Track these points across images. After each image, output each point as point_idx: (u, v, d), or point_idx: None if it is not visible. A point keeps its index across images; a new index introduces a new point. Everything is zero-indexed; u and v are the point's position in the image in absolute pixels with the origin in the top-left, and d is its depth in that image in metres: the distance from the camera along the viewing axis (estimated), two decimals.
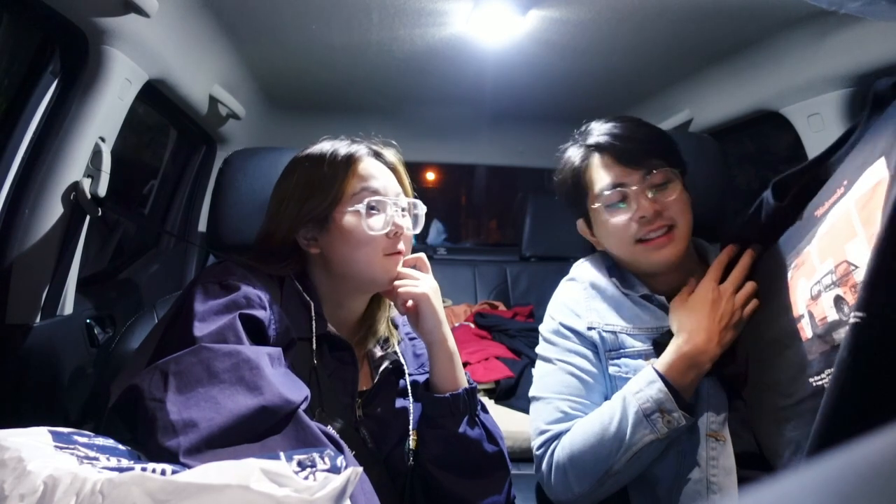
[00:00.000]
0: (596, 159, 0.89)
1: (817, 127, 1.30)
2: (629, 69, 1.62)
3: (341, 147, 0.79)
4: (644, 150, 0.86)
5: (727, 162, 1.09)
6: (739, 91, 1.52)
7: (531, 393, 0.92)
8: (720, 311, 0.78)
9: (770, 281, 0.76)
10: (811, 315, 0.64)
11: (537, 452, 0.87)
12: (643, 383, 0.78)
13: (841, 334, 0.60)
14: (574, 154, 0.92)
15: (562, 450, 0.82)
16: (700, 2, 1.18)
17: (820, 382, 0.62)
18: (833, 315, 0.61)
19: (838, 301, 0.60)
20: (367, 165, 0.78)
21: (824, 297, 0.62)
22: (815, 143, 1.32)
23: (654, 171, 0.84)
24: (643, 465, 0.79)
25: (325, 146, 0.80)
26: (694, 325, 0.78)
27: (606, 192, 0.86)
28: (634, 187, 0.84)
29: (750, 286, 0.80)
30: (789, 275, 0.71)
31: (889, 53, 1.09)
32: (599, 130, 0.90)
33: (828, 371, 0.61)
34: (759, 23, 1.27)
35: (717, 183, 1.01)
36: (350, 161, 0.77)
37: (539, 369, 0.93)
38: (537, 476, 0.88)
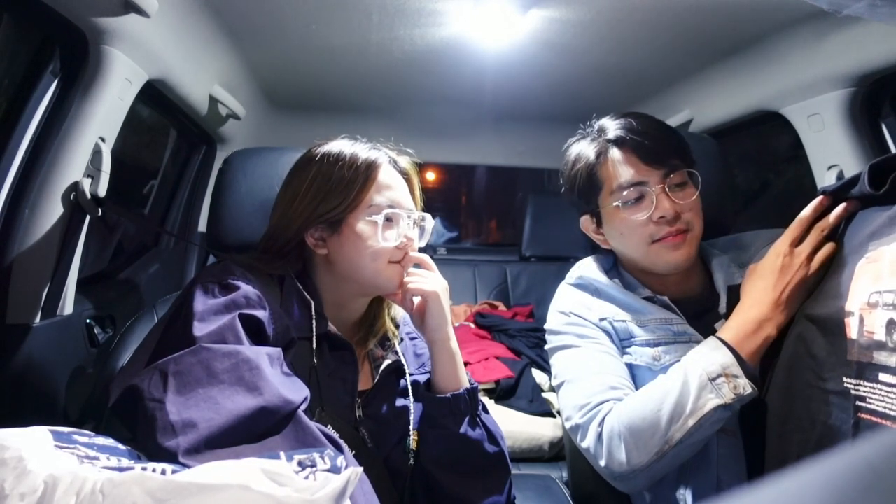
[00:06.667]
0: (615, 154, 0.85)
1: (817, 127, 1.30)
2: (629, 69, 1.62)
3: (361, 151, 0.78)
4: (665, 148, 0.84)
5: (727, 162, 1.09)
6: (739, 91, 1.52)
7: (556, 379, 0.86)
8: (788, 278, 0.73)
9: (843, 253, 0.68)
10: (861, 320, 0.59)
11: (579, 422, 0.80)
12: (706, 349, 0.74)
13: (882, 357, 0.56)
14: (587, 148, 0.89)
15: (616, 417, 0.76)
16: (700, 1, 1.18)
17: (849, 387, 0.59)
18: (881, 335, 0.56)
19: (891, 325, 0.55)
20: (386, 175, 0.78)
21: (879, 312, 0.57)
22: (815, 143, 1.32)
23: (675, 172, 0.83)
24: (704, 439, 0.74)
25: (344, 146, 0.78)
26: (760, 291, 0.74)
27: (626, 190, 0.84)
28: (656, 186, 0.82)
29: (827, 249, 0.71)
30: (859, 263, 0.63)
31: (889, 53, 1.09)
32: (617, 125, 0.86)
33: (858, 381, 0.58)
34: (759, 23, 1.27)
35: (718, 183, 1.01)
36: (370, 168, 0.76)
37: (562, 356, 0.88)
38: (583, 450, 0.81)
